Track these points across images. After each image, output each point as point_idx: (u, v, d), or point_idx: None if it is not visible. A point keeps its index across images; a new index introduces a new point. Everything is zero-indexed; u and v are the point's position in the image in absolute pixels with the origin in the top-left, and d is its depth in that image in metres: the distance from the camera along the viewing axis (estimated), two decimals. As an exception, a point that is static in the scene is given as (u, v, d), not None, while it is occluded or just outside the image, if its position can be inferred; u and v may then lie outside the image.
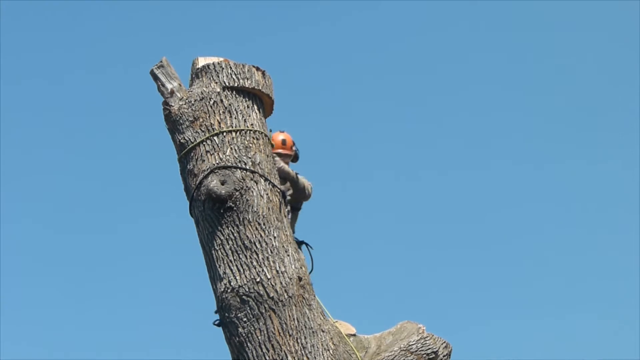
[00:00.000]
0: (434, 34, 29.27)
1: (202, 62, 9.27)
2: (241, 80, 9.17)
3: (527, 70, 28.46)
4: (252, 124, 9.12)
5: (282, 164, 10.06)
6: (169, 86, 9.19)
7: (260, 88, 9.23)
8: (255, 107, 9.24)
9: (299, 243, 9.88)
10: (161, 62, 9.29)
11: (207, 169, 8.87)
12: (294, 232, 9.99)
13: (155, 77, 9.25)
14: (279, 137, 10.39)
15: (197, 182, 8.87)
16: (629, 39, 26.69)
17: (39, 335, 24.45)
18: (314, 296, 8.97)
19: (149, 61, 9.33)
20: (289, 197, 9.92)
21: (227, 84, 9.13)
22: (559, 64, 28.27)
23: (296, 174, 10.31)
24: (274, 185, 9.00)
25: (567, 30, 29.02)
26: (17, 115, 27.81)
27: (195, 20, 29.03)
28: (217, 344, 9.00)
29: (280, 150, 10.27)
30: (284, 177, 10.04)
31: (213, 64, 9.20)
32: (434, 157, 27.60)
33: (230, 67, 9.19)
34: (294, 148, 10.44)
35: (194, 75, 9.28)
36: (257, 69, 9.28)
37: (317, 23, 29.97)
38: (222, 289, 8.65)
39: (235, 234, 8.72)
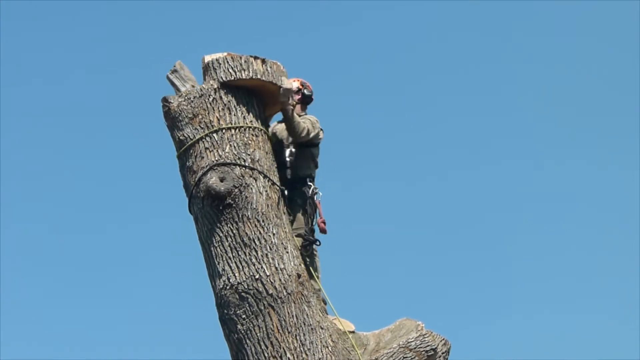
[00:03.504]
0: (434, 35, 29.27)
1: (207, 59, 9.21)
2: (237, 73, 9.05)
3: (525, 71, 28.47)
4: (251, 121, 9.10)
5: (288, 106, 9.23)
6: (183, 89, 9.17)
7: (260, 77, 9.08)
8: (255, 103, 9.22)
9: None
10: (174, 67, 9.24)
11: (206, 166, 8.85)
12: (316, 166, 9.50)
13: (172, 83, 9.23)
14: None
15: (196, 179, 8.86)
16: (629, 40, 26.69)
17: (39, 335, 24.43)
18: (313, 293, 8.97)
19: (149, 61, 9.32)
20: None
21: (224, 79, 9.07)
22: (558, 65, 28.27)
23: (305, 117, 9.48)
24: (273, 183, 8.98)
25: (567, 30, 29.03)
26: (17, 116, 27.80)
27: (205, 20, 28.96)
28: (217, 343, 9.01)
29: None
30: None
31: (212, 60, 9.15)
32: (433, 157, 27.58)
33: (227, 62, 9.11)
34: (305, 92, 9.58)
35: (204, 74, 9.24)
36: (256, 58, 9.12)
37: (319, 26, 29.95)
38: (221, 286, 8.65)
39: (234, 231, 8.71)
